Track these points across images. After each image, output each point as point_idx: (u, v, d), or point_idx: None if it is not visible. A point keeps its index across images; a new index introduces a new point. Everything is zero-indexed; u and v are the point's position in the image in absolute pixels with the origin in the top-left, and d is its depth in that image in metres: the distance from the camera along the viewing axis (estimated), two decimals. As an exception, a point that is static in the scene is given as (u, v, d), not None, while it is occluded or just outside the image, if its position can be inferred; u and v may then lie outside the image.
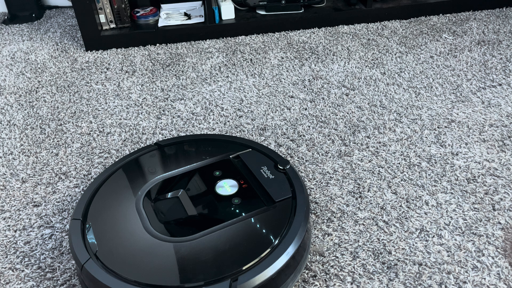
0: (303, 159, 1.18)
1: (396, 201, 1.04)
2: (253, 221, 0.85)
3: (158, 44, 1.80)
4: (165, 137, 1.28)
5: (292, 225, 0.83)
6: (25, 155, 1.24)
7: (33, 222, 1.03)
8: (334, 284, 0.86)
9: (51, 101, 1.47)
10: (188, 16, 1.87)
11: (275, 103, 1.40)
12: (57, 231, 1.00)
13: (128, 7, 1.85)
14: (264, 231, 0.83)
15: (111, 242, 0.82)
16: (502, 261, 0.90)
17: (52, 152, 1.24)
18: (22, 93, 1.52)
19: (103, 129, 1.32)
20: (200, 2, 1.97)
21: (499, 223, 0.98)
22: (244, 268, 0.75)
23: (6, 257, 0.95)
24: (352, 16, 1.88)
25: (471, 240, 0.94)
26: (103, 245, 0.81)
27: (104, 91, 1.51)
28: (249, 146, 1.03)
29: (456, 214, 1.00)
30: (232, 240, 0.81)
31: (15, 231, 1.01)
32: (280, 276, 0.78)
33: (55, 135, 1.31)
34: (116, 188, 0.93)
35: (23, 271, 0.92)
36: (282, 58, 1.66)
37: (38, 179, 1.15)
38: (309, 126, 1.29)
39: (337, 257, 0.91)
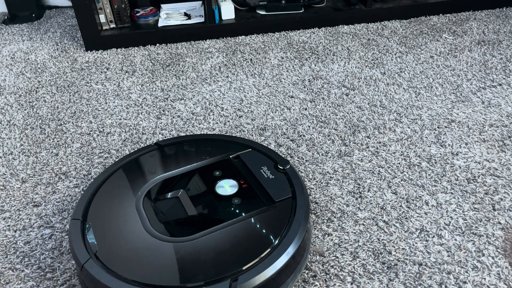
0: (303, 159, 1.18)
1: (396, 201, 1.04)
2: (253, 221, 0.85)
3: (158, 44, 1.80)
4: (165, 137, 1.28)
5: (292, 225, 0.83)
6: (25, 155, 1.24)
7: (33, 222, 1.03)
8: (334, 284, 0.86)
9: (51, 101, 1.47)
10: (188, 16, 1.87)
11: (275, 103, 1.40)
12: (57, 231, 1.00)
13: (128, 7, 1.85)
14: (264, 231, 0.83)
15: (111, 242, 0.82)
16: (502, 261, 0.90)
17: (52, 152, 1.24)
18: (22, 93, 1.52)
19: (103, 129, 1.32)
20: (200, 2, 1.97)
21: (499, 223, 0.98)
22: (244, 268, 0.75)
23: (6, 257, 0.95)
24: (352, 16, 1.88)
25: (471, 240, 0.94)
26: (103, 245, 0.81)
27: (104, 91, 1.51)
28: (249, 146, 1.03)
29: (456, 214, 1.00)
30: (232, 240, 0.81)
31: (15, 231, 1.01)
32: (280, 276, 0.78)
33: (55, 135, 1.31)
34: (116, 188, 0.93)
35: (23, 271, 0.92)
36: (282, 58, 1.66)
37: (38, 179, 1.15)
38: (309, 126, 1.29)
39: (337, 257, 0.91)
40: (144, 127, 1.32)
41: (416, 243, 0.94)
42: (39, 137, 1.30)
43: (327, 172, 1.13)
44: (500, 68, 1.54)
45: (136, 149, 1.24)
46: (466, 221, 0.98)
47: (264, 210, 0.87)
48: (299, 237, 0.81)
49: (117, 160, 1.13)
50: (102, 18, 1.79)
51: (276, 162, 0.97)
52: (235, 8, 1.88)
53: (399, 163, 1.15)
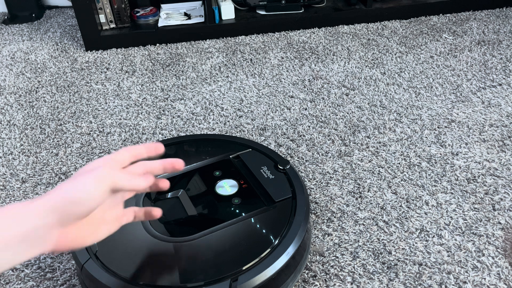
0: (303, 159, 1.18)
1: (396, 201, 1.04)
2: (253, 221, 0.85)
3: (158, 44, 1.80)
4: (165, 137, 1.28)
5: (292, 225, 0.83)
6: (25, 155, 1.24)
7: (33, 222, 1.03)
8: (334, 284, 0.86)
9: (51, 101, 1.47)
10: (188, 16, 1.87)
11: (275, 103, 1.40)
12: (57, 231, 1.00)
13: (128, 7, 1.85)
14: (264, 231, 0.83)
15: (111, 242, 0.81)
16: (502, 261, 0.90)
17: (52, 152, 1.24)
18: (22, 93, 1.52)
19: (103, 129, 1.32)
20: (200, 2, 1.97)
21: (499, 223, 0.98)
22: (244, 268, 0.75)
23: (6, 257, 0.95)
24: (352, 16, 1.88)
25: (471, 240, 0.94)
26: (103, 245, 0.81)
27: (104, 91, 1.51)
28: (249, 146, 1.03)
29: (456, 214, 1.00)
30: (232, 240, 0.81)
31: (15, 231, 1.01)
32: (280, 276, 0.78)
33: (55, 135, 1.31)
34: (116, 188, 0.93)
35: (23, 271, 0.92)
36: (282, 58, 1.66)
37: (38, 179, 1.15)
38: (309, 126, 1.29)
39: (337, 257, 0.91)
40: (144, 127, 1.32)
41: (416, 243, 0.94)
42: (39, 137, 1.30)
43: (327, 172, 1.13)
44: (500, 68, 1.54)
45: (136, 149, 1.24)
46: (466, 221, 0.98)
47: (264, 210, 0.87)
48: (299, 237, 0.81)
49: (117, 160, 1.13)
50: (102, 18, 1.79)
51: (276, 162, 0.97)
52: (235, 8, 1.88)
53: (399, 163, 1.15)
